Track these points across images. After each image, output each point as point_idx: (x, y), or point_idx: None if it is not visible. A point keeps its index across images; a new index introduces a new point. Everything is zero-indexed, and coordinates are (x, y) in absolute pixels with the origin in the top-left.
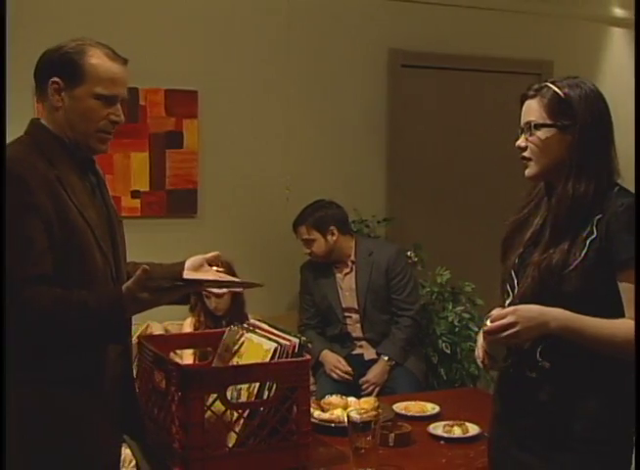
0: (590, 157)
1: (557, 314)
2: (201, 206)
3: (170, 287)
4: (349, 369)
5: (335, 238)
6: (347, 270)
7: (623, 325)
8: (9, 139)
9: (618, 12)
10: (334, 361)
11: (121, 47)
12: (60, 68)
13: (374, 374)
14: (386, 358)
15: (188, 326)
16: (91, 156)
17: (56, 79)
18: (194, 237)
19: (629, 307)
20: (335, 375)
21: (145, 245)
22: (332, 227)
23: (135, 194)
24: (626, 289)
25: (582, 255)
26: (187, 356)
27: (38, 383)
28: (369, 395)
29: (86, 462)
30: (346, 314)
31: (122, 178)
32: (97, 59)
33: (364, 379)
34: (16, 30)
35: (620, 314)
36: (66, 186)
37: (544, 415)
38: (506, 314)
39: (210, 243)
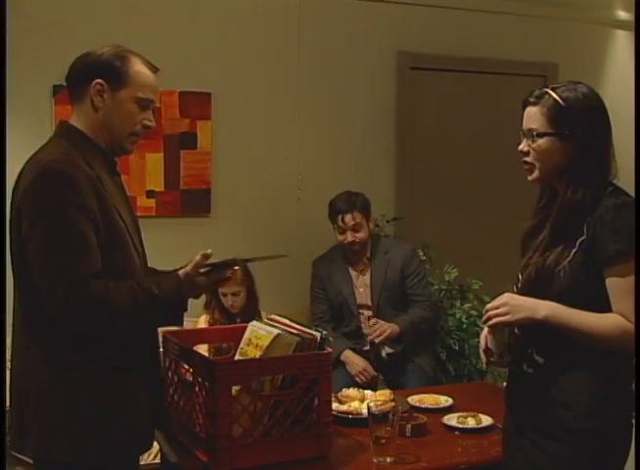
0: (590, 163)
1: (547, 305)
2: (214, 205)
3: (220, 268)
4: (375, 374)
5: (372, 226)
6: (362, 267)
7: (610, 319)
8: (19, 138)
9: (622, 14)
10: (361, 365)
11: (136, 50)
12: (104, 71)
13: (387, 323)
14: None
15: (203, 323)
16: (119, 156)
17: (100, 81)
18: (208, 236)
19: (616, 302)
20: (362, 379)
21: (160, 244)
22: (371, 215)
23: (150, 194)
24: (613, 284)
25: (572, 255)
26: (202, 351)
27: (89, 368)
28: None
29: (125, 446)
30: (360, 311)
31: (138, 178)
32: (139, 66)
33: (374, 320)
34: (32, 36)
35: (608, 312)
36: (104, 186)
37: (539, 407)
38: (501, 297)
39: (224, 241)
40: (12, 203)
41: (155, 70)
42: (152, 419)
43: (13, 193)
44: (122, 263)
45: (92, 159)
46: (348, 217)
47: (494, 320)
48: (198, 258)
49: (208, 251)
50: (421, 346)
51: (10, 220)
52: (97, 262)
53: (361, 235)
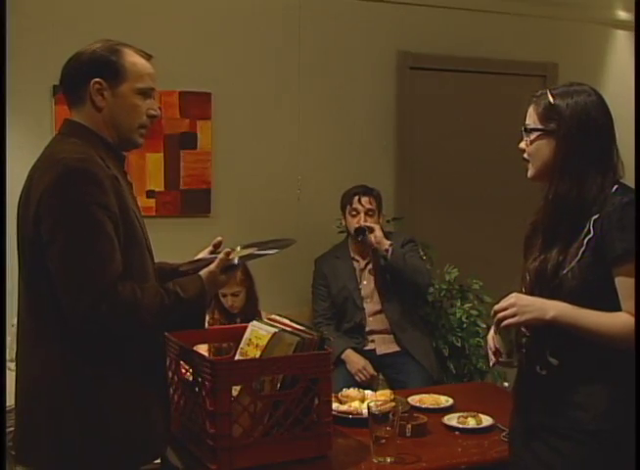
0: (574, 159)
1: (555, 305)
2: (214, 205)
3: (236, 264)
4: (374, 373)
5: (381, 220)
6: (367, 260)
7: (620, 318)
8: (19, 138)
9: (622, 15)
10: (361, 364)
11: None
12: (99, 68)
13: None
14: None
15: None
16: (129, 150)
17: (98, 80)
18: (208, 236)
19: (625, 301)
20: (361, 377)
21: (160, 244)
22: (382, 210)
23: (150, 194)
24: (621, 283)
25: (580, 254)
26: (202, 351)
27: (106, 370)
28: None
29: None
30: (364, 304)
31: (138, 179)
32: (132, 56)
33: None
34: (32, 36)
35: (618, 310)
36: (122, 185)
37: (554, 409)
38: (509, 298)
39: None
40: (25, 203)
41: (148, 57)
42: (166, 429)
43: (26, 194)
44: (139, 264)
45: (105, 156)
46: (365, 200)
47: (504, 323)
48: (222, 256)
49: (218, 238)
50: (422, 344)
51: (21, 221)
52: (120, 264)
53: (373, 222)
